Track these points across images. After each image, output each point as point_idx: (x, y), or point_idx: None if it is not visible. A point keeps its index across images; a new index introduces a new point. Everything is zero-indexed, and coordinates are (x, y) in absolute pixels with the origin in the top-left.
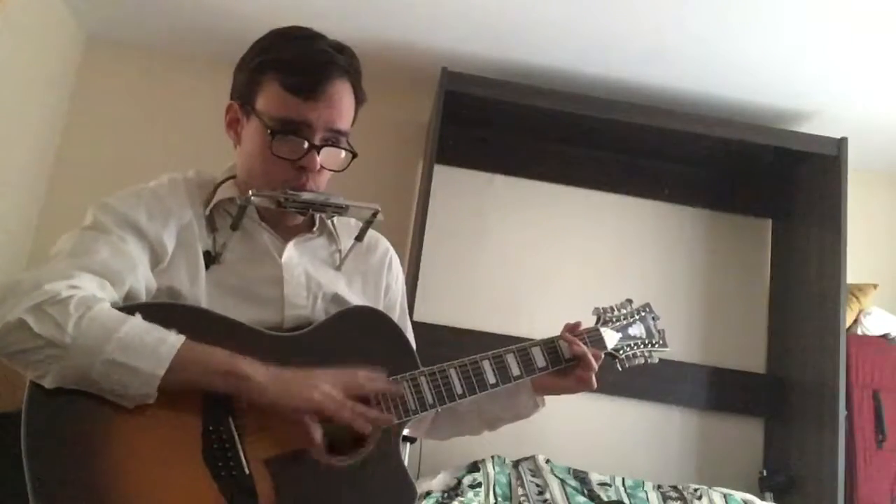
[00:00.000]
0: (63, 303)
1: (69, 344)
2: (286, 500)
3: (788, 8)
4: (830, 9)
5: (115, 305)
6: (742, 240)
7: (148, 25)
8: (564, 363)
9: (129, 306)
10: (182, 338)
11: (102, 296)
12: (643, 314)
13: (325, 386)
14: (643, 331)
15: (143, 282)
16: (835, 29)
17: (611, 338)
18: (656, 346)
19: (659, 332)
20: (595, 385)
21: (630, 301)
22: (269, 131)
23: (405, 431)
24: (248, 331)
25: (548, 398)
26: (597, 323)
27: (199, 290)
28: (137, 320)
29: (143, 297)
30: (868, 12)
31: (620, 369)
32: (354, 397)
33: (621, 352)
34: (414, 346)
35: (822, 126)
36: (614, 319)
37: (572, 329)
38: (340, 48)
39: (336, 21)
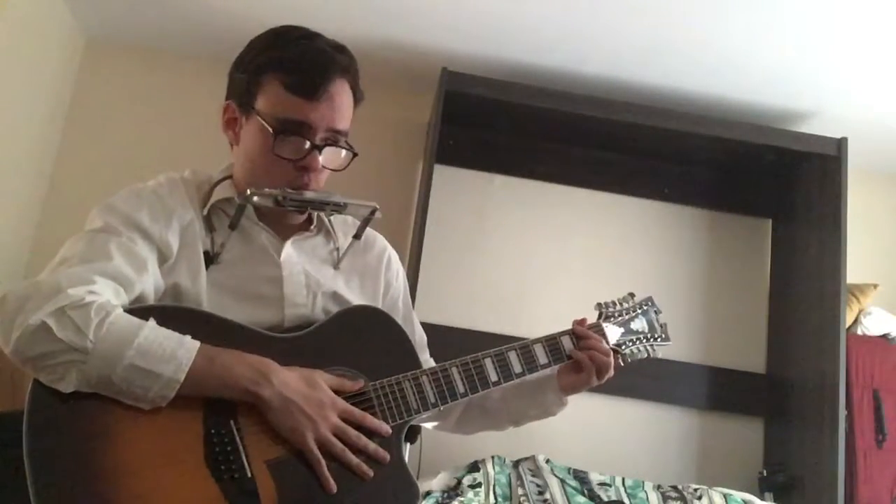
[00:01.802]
0: (84, 308)
1: (90, 349)
2: (288, 502)
3: (788, 8)
4: (830, 9)
5: (125, 310)
6: (742, 240)
7: (148, 25)
8: (566, 359)
9: (137, 308)
10: (197, 344)
11: (117, 302)
12: (645, 308)
13: (325, 426)
14: (645, 325)
15: (152, 283)
16: (834, 29)
17: (613, 333)
18: (658, 339)
19: (661, 325)
20: (594, 372)
21: (632, 295)
22: (271, 131)
23: (428, 426)
24: (250, 333)
25: None
26: (598, 318)
27: (200, 289)
28: (154, 325)
29: (152, 299)
30: (868, 12)
31: (623, 364)
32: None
33: (623, 347)
34: (424, 339)
35: (822, 126)
36: (616, 314)
37: (579, 325)
38: (339, 48)
39: (336, 21)
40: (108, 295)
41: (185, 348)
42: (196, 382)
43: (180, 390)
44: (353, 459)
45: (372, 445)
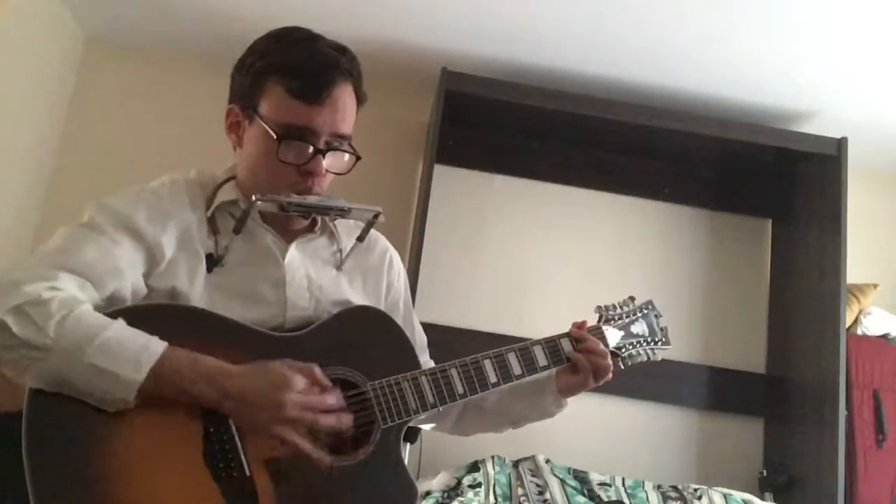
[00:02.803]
0: (44, 304)
1: (50, 346)
2: (287, 501)
3: (789, 8)
4: (831, 9)
5: (97, 307)
6: (742, 240)
7: (148, 26)
8: (566, 361)
9: (124, 308)
10: (164, 344)
11: (83, 297)
12: (645, 311)
13: (292, 396)
14: (645, 328)
15: (129, 285)
16: (835, 29)
17: (613, 336)
18: (659, 343)
19: (661, 329)
20: (591, 374)
21: (632, 298)
22: (274, 137)
23: (426, 427)
24: (247, 330)
25: None
26: (599, 321)
27: (198, 292)
28: (120, 325)
29: (129, 301)
30: (868, 13)
31: (623, 367)
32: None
33: (623, 350)
34: (425, 341)
35: (822, 126)
36: (616, 318)
37: (579, 328)
38: (342, 50)
39: (336, 21)
40: (71, 289)
41: (149, 350)
42: (158, 385)
43: (146, 393)
44: (328, 421)
45: (337, 402)
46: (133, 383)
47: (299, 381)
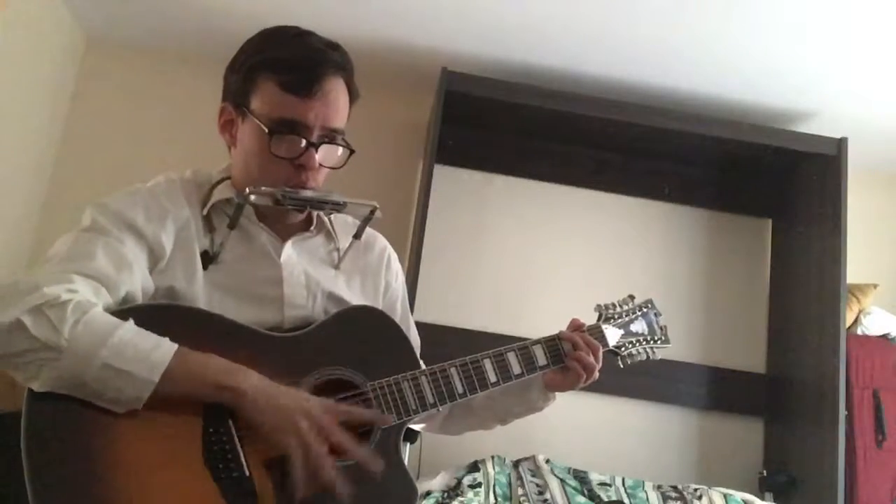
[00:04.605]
0: (61, 306)
1: (65, 347)
2: (286, 502)
3: (789, 8)
4: (830, 8)
5: (109, 310)
6: (742, 240)
7: (148, 26)
8: (565, 361)
9: (126, 309)
10: (175, 346)
11: (97, 301)
12: (645, 310)
13: (314, 410)
14: (645, 327)
15: (139, 284)
16: (834, 29)
17: (612, 335)
18: (658, 342)
19: (661, 328)
20: (583, 379)
21: (632, 297)
22: (266, 131)
23: (417, 427)
24: (247, 331)
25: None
26: (598, 320)
27: (197, 290)
28: (131, 326)
29: (140, 300)
30: (868, 13)
31: (622, 366)
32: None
33: (623, 349)
34: (418, 343)
35: (822, 126)
36: (616, 316)
37: (577, 328)
38: (332, 45)
39: (336, 21)
40: (87, 293)
41: (161, 350)
42: (171, 384)
43: (159, 393)
44: (331, 474)
45: (360, 451)
46: (147, 382)
47: (328, 405)
